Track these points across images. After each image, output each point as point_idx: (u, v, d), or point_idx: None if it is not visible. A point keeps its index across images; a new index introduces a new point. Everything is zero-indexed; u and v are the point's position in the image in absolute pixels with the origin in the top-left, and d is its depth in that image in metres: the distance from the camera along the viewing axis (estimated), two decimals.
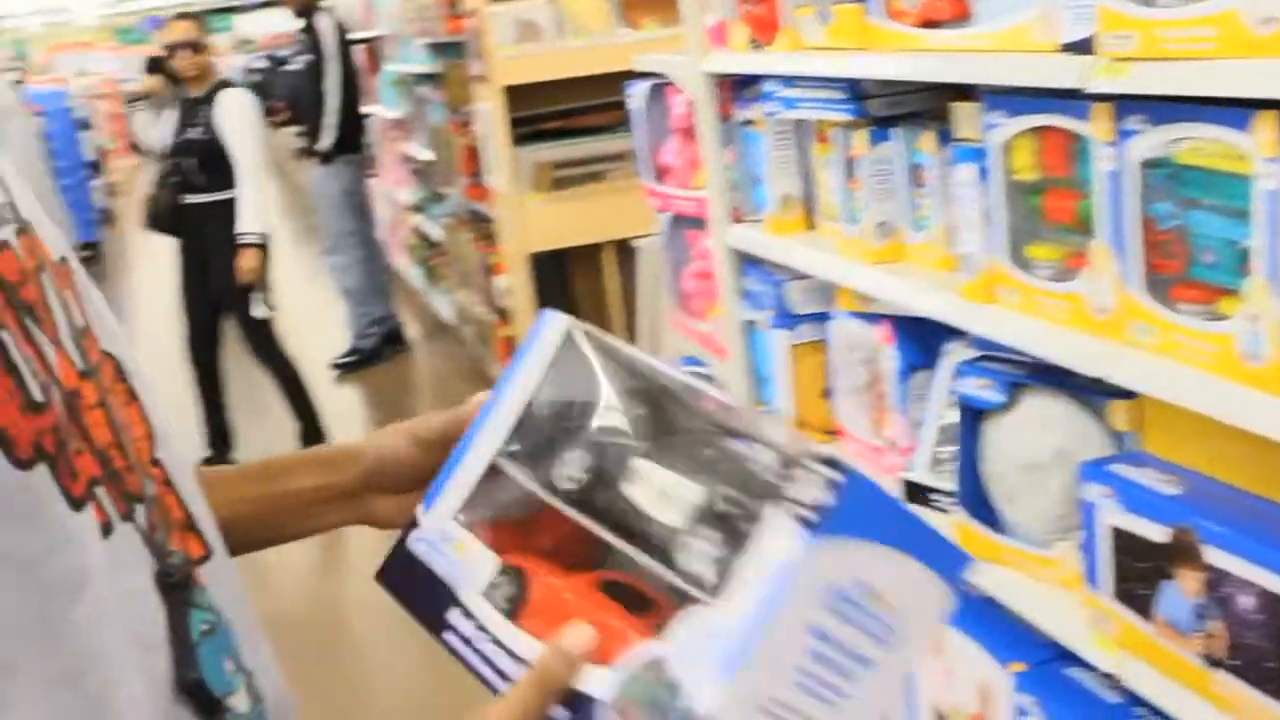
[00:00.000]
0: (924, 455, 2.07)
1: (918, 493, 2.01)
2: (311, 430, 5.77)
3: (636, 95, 2.99)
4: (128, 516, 0.82)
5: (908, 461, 2.10)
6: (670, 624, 0.79)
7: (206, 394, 5.76)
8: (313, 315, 8.00)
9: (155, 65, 8.94)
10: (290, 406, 5.79)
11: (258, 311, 5.55)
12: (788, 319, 2.52)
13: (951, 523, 1.88)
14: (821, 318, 2.45)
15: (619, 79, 3.15)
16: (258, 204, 5.52)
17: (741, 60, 2.47)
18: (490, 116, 5.30)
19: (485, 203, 5.87)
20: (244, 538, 1.00)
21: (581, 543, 0.88)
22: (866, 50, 1.99)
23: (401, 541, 0.95)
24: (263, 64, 15.32)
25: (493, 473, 0.93)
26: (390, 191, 9.03)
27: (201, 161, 5.49)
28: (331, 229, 7.17)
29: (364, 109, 7.49)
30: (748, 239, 2.59)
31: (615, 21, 5.30)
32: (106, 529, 0.80)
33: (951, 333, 2.03)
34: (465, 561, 0.91)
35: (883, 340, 2.20)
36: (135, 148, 16.43)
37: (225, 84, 5.76)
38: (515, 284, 5.49)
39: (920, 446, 2.09)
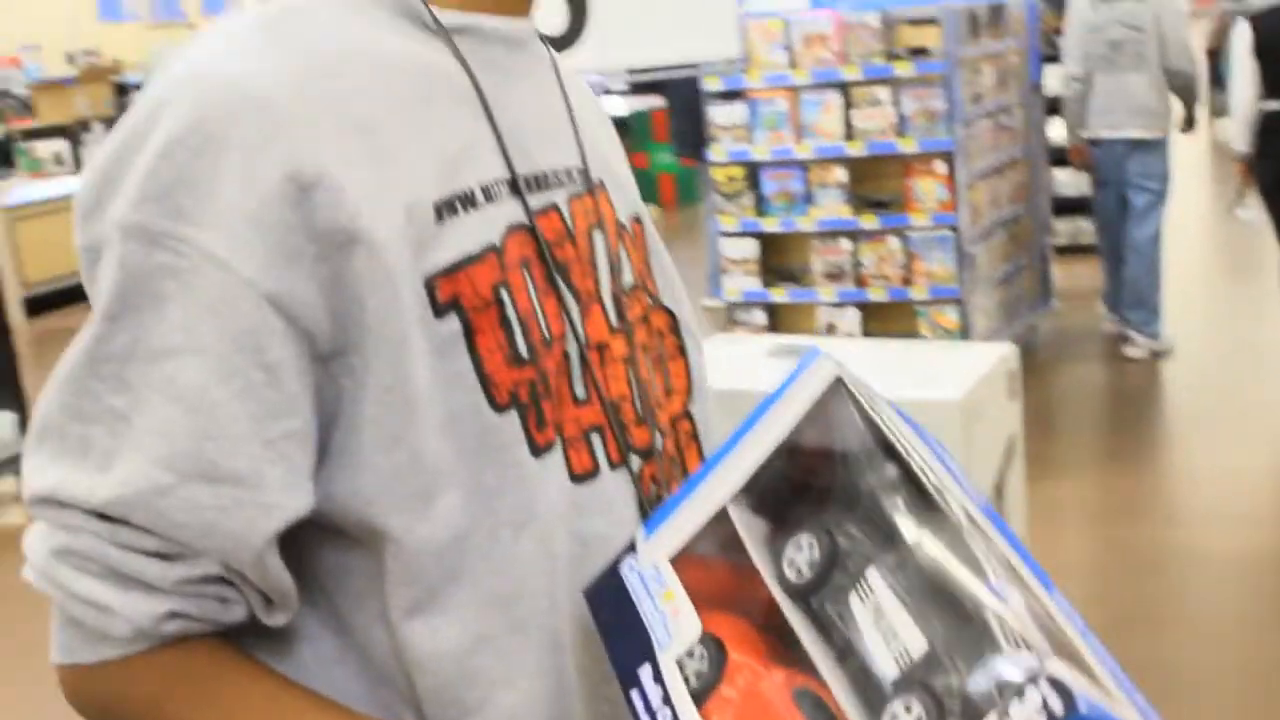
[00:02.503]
0: None
1: None
2: None
3: None
4: (620, 464, 0.98)
5: None
6: None
7: None
8: None
9: None
10: None
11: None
12: None
13: None
14: None
15: None
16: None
17: None
18: None
19: None
20: None
21: (787, 633, 0.83)
22: None
23: (615, 564, 0.92)
24: None
25: (720, 516, 0.88)
26: None
27: None
28: None
29: None
30: None
31: None
32: (587, 474, 0.96)
33: None
34: (669, 613, 0.87)
35: None
36: None
37: None
38: None
39: None
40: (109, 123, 11.33)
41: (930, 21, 5.58)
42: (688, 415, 1.09)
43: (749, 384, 3.15)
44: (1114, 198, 6.65)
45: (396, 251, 0.86)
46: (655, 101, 11.59)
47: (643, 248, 1.08)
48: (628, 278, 1.03)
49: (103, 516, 0.84)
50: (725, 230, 5.89)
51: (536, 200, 0.96)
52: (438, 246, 0.88)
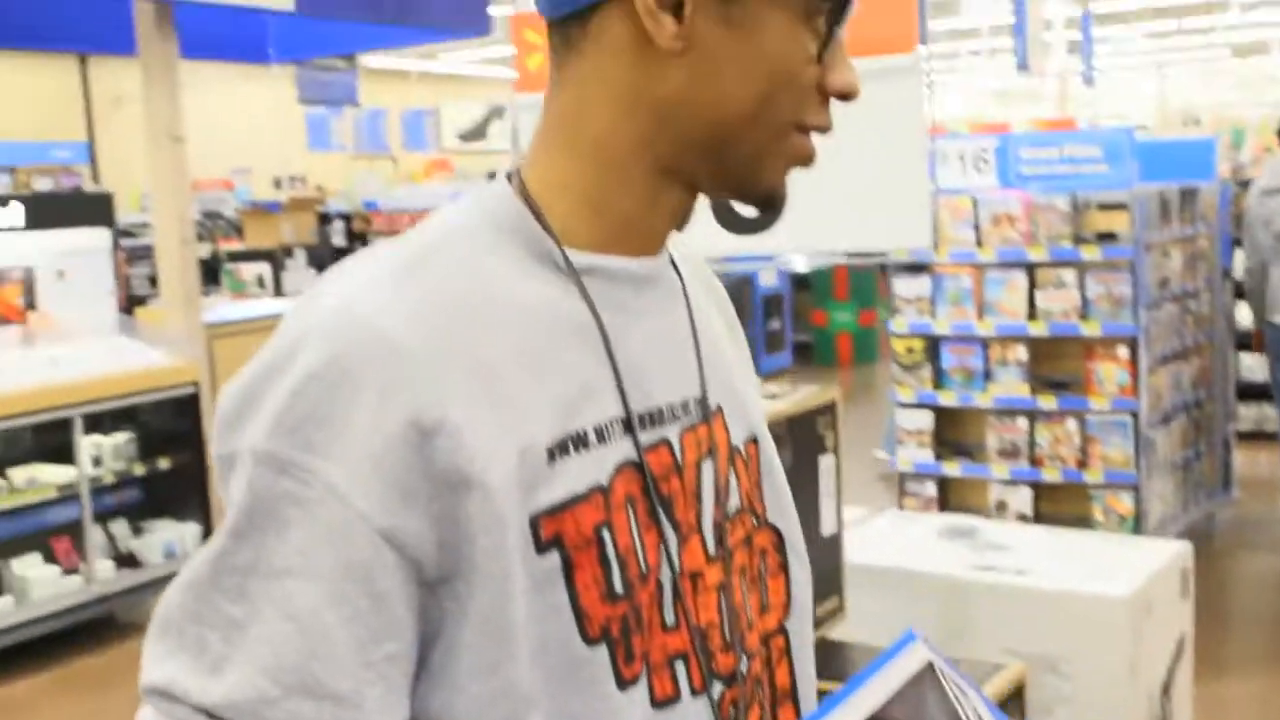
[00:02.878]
0: None
1: None
2: None
3: None
4: (702, 692, 1.00)
5: None
6: None
7: None
8: None
9: None
10: None
11: None
12: None
13: None
14: None
15: None
16: None
17: None
18: None
19: None
20: None
21: None
22: None
23: None
24: None
25: None
26: None
27: None
28: None
29: None
30: None
31: None
32: (668, 701, 0.98)
33: None
34: None
35: None
36: None
37: None
38: None
39: None
40: (311, 250, 11.93)
41: (1120, 206, 5.66)
42: (783, 631, 1.13)
43: (923, 565, 3.27)
44: None
45: (507, 493, 0.91)
46: (837, 259, 11.76)
47: (755, 470, 1.12)
48: (734, 502, 1.08)
49: (209, 715, 0.90)
50: (902, 401, 6.00)
51: (649, 436, 1.01)
52: (547, 487, 0.93)
